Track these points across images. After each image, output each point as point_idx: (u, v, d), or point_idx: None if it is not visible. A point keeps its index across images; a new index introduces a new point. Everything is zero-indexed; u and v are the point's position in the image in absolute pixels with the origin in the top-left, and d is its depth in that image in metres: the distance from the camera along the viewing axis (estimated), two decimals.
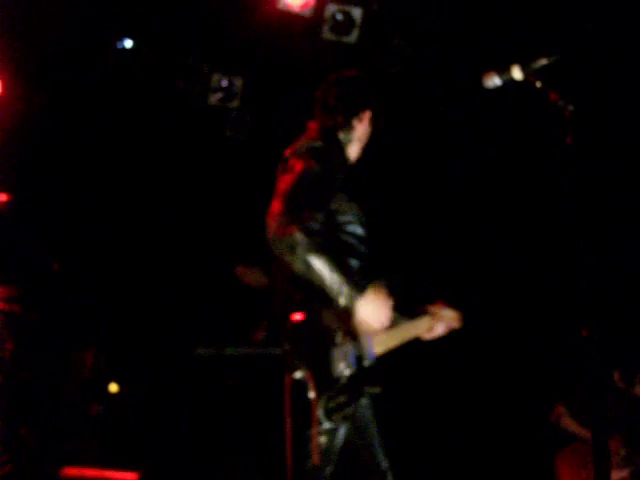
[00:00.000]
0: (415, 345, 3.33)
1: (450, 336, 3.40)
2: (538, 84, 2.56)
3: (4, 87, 5.77)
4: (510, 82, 2.65)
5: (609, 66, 5.14)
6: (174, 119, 6.43)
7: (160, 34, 5.98)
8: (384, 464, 3.02)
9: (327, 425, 2.67)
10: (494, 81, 2.68)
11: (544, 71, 2.55)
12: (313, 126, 3.14)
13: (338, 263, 2.67)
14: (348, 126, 3.17)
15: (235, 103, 6.42)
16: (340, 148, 3.10)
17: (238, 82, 6.37)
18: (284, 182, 2.82)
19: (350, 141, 3.18)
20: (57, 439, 5.49)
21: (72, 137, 6.26)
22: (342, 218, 2.95)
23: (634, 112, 5.39)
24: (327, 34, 5.87)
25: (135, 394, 6.26)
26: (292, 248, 2.62)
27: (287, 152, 3.00)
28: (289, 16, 5.74)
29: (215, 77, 6.30)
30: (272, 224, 2.69)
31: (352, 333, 2.76)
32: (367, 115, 3.23)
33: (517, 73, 2.61)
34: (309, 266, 2.63)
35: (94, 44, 5.95)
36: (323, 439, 2.70)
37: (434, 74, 6.15)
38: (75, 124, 6.24)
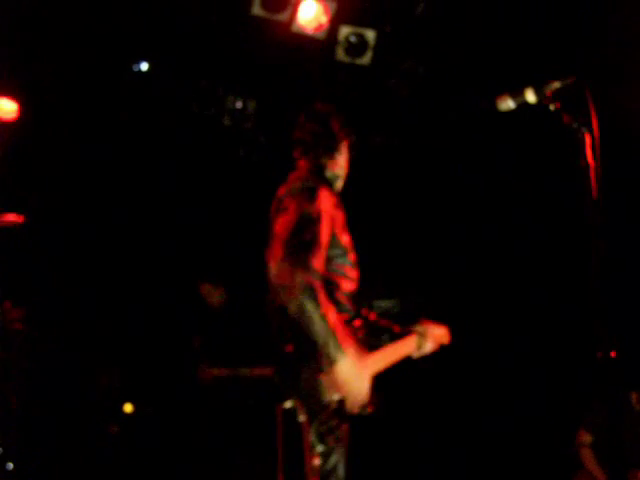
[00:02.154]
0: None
1: (441, 354, 3.43)
2: (552, 107, 2.58)
3: (20, 110, 5.84)
4: (524, 105, 2.66)
5: (624, 87, 5.15)
6: (189, 140, 6.48)
7: (176, 57, 6.04)
8: None
9: (320, 448, 2.74)
10: (508, 104, 2.69)
11: (558, 94, 2.57)
12: (302, 164, 3.24)
13: (329, 313, 2.72)
14: (332, 161, 3.26)
15: (249, 124, 6.48)
16: (330, 186, 3.16)
17: (252, 104, 6.43)
18: (281, 224, 2.89)
19: (337, 177, 3.29)
20: (74, 459, 5.50)
21: (88, 159, 6.31)
22: (331, 253, 2.98)
23: None
24: (340, 56, 5.90)
25: (150, 414, 6.27)
26: (292, 293, 2.70)
27: (281, 191, 3.06)
28: (303, 38, 5.78)
29: (229, 99, 6.37)
30: (273, 268, 2.76)
31: None
32: (346, 146, 3.33)
33: (531, 96, 2.63)
34: (303, 313, 2.70)
35: (110, 67, 6.01)
36: (317, 461, 2.75)
37: (447, 97, 6.17)
38: (91, 147, 6.29)
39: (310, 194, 2.95)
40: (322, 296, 2.72)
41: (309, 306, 2.69)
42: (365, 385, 2.85)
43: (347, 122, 3.37)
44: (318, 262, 2.78)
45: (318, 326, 2.70)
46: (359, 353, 2.80)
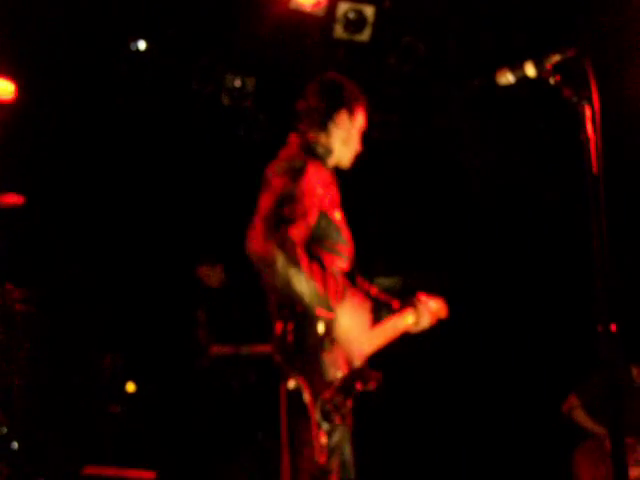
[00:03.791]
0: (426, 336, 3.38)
1: (440, 327, 3.44)
2: (552, 81, 2.56)
3: (17, 91, 5.81)
4: (523, 79, 2.64)
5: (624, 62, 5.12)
6: (187, 119, 6.45)
7: (173, 35, 6.01)
8: (352, 478, 3.02)
9: (326, 426, 2.75)
10: (508, 78, 2.67)
11: (558, 67, 2.55)
12: (294, 140, 3.14)
13: (315, 277, 2.73)
14: (326, 135, 3.14)
15: (248, 103, 6.45)
16: (321, 162, 3.07)
17: (251, 82, 6.40)
18: (264, 201, 2.85)
19: (329, 152, 3.14)
20: (76, 439, 5.53)
21: (86, 138, 6.29)
22: (323, 232, 2.96)
23: None
24: (339, 33, 5.87)
25: (153, 393, 6.29)
26: (271, 266, 2.68)
27: (269, 169, 2.99)
28: (301, 15, 5.74)
29: (228, 77, 6.33)
30: (252, 242, 2.73)
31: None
32: (343, 116, 3.15)
33: (530, 70, 2.61)
34: (287, 282, 2.69)
35: (108, 45, 5.98)
36: (324, 439, 2.76)
37: (446, 72, 6.14)
38: (89, 125, 6.27)
39: (295, 173, 2.89)
40: (305, 261, 2.72)
41: (292, 276, 2.68)
42: (365, 322, 2.89)
43: (353, 89, 3.21)
44: (297, 235, 2.76)
45: (307, 295, 2.71)
46: (354, 304, 2.85)
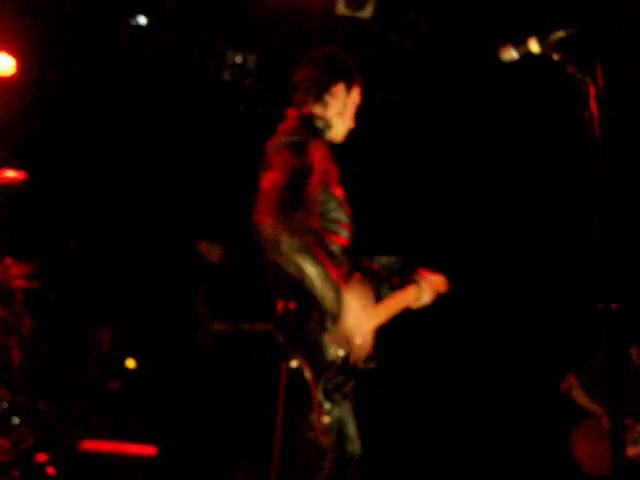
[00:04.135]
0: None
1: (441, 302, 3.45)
2: (556, 57, 2.54)
3: (18, 66, 5.78)
4: (527, 55, 2.62)
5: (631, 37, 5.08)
6: (188, 95, 6.42)
7: (174, 10, 5.96)
8: (358, 453, 3.02)
9: (328, 406, 2.74)
10: (511, 54, 2.65)
11: (562, 44, 2.53)
12: (292, 113, 3.10)
13: (322, 260, 2.71)
14: (322, 105, 3.11)
15: (249, 79, 6.41)
16: (320, 137, 3.05)
17: (252, 58, 6.35)
18: (268, 181, 2.80)
19: (329, 126, 3.11)
20: (76, 414, 5.56)
21: (86, 114, 6.27)
22: (324, 207, 2.94)
23: None
24: (341, 9, 5.83)
25: (152, 369, 6.32)
26: (280, 250, 2.66)
27: (269, 145, 2.96)
28: None
29: (229, 53, 6.29)
30: (259, 223, 2.70)
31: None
32: (340, 88, 3.14)
33: (534, 46, 2.59)
34: (297, 267, 2.68)
35: (108, 20, 5.94)
36: (327, 419, 2.76)
37: (450, 50, 6.10)
38: (88, 101, 6.24)
39: (298, 148, 2.86)
40: (317, 252, 2.70)
41: (305, 265, 2.67)
42: (370, 331, 2.88)
43: (351, 64, 3.19)
44: (308, 219, 2.77)
45: (317, 282, 2.69)
46: (360, 299, 2.82)
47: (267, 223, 2.67)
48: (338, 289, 2.74)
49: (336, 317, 2.74)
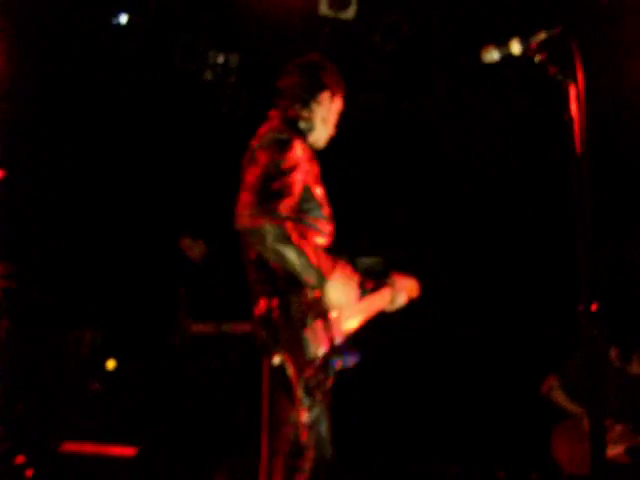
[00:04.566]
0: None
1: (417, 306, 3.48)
2: (537, 58, 2.55)
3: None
4: (509, 57, 2.63)
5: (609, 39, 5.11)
6: (170, 95, 6.40)
7: (156, 10, 5.94)
8: (329, 455, 3.04)
9: (307, 402, 2.78)
10: (492, 56, 2.66)
11: (544, 45, 2.54)
12: (275, 114, 3.18)
13: (306, 248, 2.80)
14: (308, 111, 3.20)
15: (231, 79, 6.40)
16: (303, 138, 3.12)
17: (234, 58, 6.34)
18: (251, 174, 2.89)
19: (312, 128, 3.21)
20: (56, 415, 5.51)
21: (67, 113, 6.23)
22: (306, 205, 3.01)
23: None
24: (324, 10, 5.83)
25: (133, 370, 6.28)
26: (262, 238, 2.74)
27: (253, 143, 3.04)
28: None
29: (211, 53, 6.28)
30: (242, 215, 2.78)
31: (321, 314, 2.89)
32: (326, 96, 3.24)
33: (516, 47, 2.59)
34: (279, 255, 2.76)
35: (89, 19, 5.91)
36: (306, 416, 2.79)
37: (432, 51, 6.11)
38: (70, 100, 6.20)
39: (282, 145, 2.95)
40: (295, 235, 2.78)
41: (284, 249, 2.75)
42: (355, 292, 2.99)
43: (335, 73, 3.29)
44: (287, 209, 2.81)
45: (298, 264, 2.77)
46: (343, 272, 2.92)
47: (249, 212, 2.75)
48: (321, 273, 2.82)
49: (320, 290, 2.84)
